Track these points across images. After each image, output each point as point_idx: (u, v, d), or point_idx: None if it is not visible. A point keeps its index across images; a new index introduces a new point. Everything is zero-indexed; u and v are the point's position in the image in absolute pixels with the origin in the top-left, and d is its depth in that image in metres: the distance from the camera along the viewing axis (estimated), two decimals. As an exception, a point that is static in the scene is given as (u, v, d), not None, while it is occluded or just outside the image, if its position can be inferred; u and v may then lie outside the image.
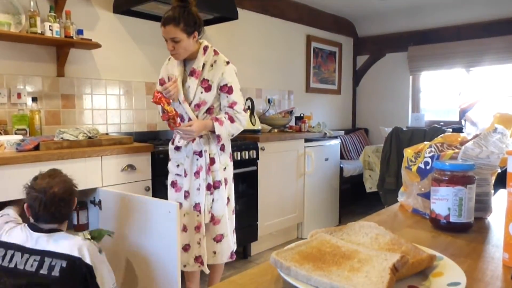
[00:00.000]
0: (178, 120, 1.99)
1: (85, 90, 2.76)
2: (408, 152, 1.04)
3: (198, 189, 2.06)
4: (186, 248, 2.07)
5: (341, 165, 4.04)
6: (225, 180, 2.13)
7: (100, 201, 2.10)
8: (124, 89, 2.97)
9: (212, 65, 2.04)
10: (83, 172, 2.11)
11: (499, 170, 0.94)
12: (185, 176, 2.08)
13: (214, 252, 2.13)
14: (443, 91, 4.87)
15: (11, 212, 1.75)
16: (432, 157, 0.96)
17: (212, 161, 2.07)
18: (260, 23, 4.05)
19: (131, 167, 2.31)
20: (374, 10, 4.84)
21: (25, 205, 1.55)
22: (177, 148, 2.12)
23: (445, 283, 0.58)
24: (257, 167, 3.02)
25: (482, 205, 0.94)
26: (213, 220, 2.10)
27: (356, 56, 5.49)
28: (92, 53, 2.79)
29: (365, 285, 0.54)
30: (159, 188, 2.42)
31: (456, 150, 0.94)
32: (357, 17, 5.22)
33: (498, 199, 1.05)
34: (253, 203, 3.05)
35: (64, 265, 1.45)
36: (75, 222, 2.23)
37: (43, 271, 1.44)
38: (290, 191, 3.42)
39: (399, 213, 1.04)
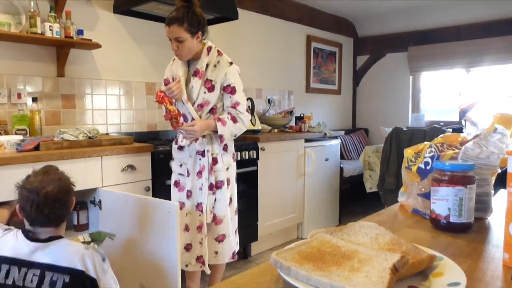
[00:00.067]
0: (181, 119, 2.01)
1: (85, 90, 2.76)
2: (408, 152, 1.04)
3: (201, 188, 2.06)
4: (188, 248, 2.07)
5: (341, 165, 4.04)
6: (228, 180, 2.13)
7: (100, 201, 2.10)
8: (124, 89, 2.98)
9: (215, 66, 2.05)
10: (83, 172, 2.11)
11: (499, 170, 0.94)
12: (188, 176, 2.08)
13: (216, 252, 2.13)
14: (443, 91, 4.87)
15: None
16: (432, 157, 0.96)
17: (215, 161, 2.08)
18: (260, 23, 4.05)
19: (131, 167, 2.31)
20: (374, 10, 4.84)
21: (17, 206, 1.40)
22: (180, 148, 2.12)
23: (445, 283, 0.58)
24: (257, 167, 3.02)
25: (482, 205, 0.94)
26: (215, 220, 2.10)
27: (356, 56, 5.49)
28: (92, 53, 2.79)
29: (365, 285, 0.54)
30: (159, 188, 2.42)
31: (456, 150, 0.94)
32: (357, 17, 5.22)
33: (498, 199, 1.05)
34: (253, 203, 3.05)
35: (67, 280, 1.32)
36: (75, 222, 2.24)
37: (45, 287, 1.30)
38: (290, 191, 3.42)
39: (399, 213, 1.04)
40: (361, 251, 0.63)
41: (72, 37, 2.50)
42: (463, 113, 4.08)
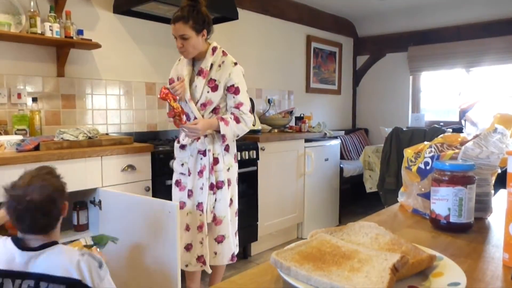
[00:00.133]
0: (184, 118, 2.01)
1: (85, 90, 2.76)
2: (408, 152, 1.04)
3: (201, 188, 2.06)
4: (188, 247, 2.07)
5: (341, 165, 4.04)
6: (229, 181, 2.13)
7: (100, 201, 2.10)
8: (124, 89, 2.98)
9: (220, 66, 2.06)
10: (83, 172, 2.11)
11: (499, 170, 0.94)
12: (189, 175, 2.08)
13: (215, 253, 2.13)
14: (443, 91, 4.87)
15: None
16: (432, 157, 0.96)
17: (216, 161, 2.08)
18: (260, 23, 4.05)
19: (131, 167, 2.31)
20: (374, 10, 4.84)
21: (3, 211, 1.33)
22: (182, 147, 2.13)
23: (445, 283, 0.58)
24: (257, 167, 3.02)
25: (482, 205, 0.94)
26: (215, 220, 2.10)
27: (356, 56, 5.49)
28: (92, 53, 2.79)
29: (365, 285, 0.54)
30: (159, 188, 2.42)
31: (456, 150, 0.94)
32: (357, 17, 5.22)
33: (498, 199, 1.05)
34: (253, 203, 3.05)
35: None
36: (75, 222, 2.24)
37: None
38: (290, 191, 3.42)
39: (399, 213, 1.04)
40: (361, 251, 0.63)
41: (72, 37, 2.50)
42: (463, 113, 4.09)
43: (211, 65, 2.05)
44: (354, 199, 4.77)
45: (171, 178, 2.21)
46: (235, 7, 3.10)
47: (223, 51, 2.11)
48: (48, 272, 1.25)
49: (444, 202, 0.84)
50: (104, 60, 2.85)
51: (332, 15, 4.97)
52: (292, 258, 0.62)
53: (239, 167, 2.58)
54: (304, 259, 0.62)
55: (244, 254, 3.13)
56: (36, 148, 2.04)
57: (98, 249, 1.59)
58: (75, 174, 2.08)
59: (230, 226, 2.14)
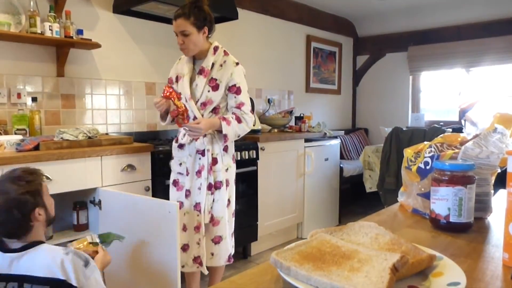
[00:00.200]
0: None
1: (85, 90, 2.76)
2: (408, 152, 1.04)
3: (199, 188, 2.05)
4: (185, 248, 2.07)
5: (341, 165, 4.04)
6: (227, 181, 2.12)
7: (100, 201, 2.10)
8: (124, 89, 2.97)
9: (221, 65, 2.06)
10: (83, 172, 2.11)
11: (499, 170, 0.94)
12: (187, 175, 2.08)
13: (212, 254, 2.12)
14: (443, 91, 4.87)
15: None
16: (432, 157, 0.96)
17: (215, 161, 2.07)
18: (260, 23, 4.05)
19: (131, 167, 2.31)
20: (374, 10, 4.84)
21: None
22: (181, 146, 2.12)
23: (445, 283, 0.58)
24: (257, 167, 3.02)
25: (482, 205, 0.94)
26: (213, 221, 2.10)
27: (356, 56, 5.49)
28: (92, 53, 2.79)
29: (365, 285, 0.54)
30: (159, 188, 2.42)
31: (456, 150, 0.94)
32: (357, 17, 5.22)
33: (498, 199, 1.05)
34: (253, 203, 3.05)
35: None
36: (75, 222, 2.24)
37: None
38: (290, 191, 3.42)
39: (399, 213, 1.04)
40: (361, 251, 0.63)
41: (72, 37, 2.50)
42: (463, 113, 4.09)
43: (212, 64, 2.05)
44: (354, 199, 4.77)
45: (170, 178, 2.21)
46: (235, 7, 3.10)
47: (224, 51, 2.11)
48: (31, 273, 1.24)
49: (444, 202, 0.84)
50: (104, 60, 2.85)
51: (332, 15, 4.97)
52: (292, 258, 0.62)
53: (239, 167, 2.58)
54: (304, 259, 0.62)
55: (244, 254, 3.13)
56: (36, 148, 2.04)
57: (103, 247, 1.57)
58: (75, 174, 2.08)
59: (227, 227, 2.13)
